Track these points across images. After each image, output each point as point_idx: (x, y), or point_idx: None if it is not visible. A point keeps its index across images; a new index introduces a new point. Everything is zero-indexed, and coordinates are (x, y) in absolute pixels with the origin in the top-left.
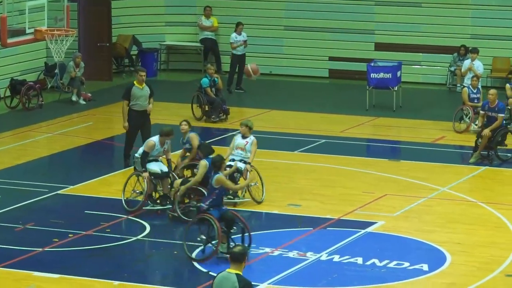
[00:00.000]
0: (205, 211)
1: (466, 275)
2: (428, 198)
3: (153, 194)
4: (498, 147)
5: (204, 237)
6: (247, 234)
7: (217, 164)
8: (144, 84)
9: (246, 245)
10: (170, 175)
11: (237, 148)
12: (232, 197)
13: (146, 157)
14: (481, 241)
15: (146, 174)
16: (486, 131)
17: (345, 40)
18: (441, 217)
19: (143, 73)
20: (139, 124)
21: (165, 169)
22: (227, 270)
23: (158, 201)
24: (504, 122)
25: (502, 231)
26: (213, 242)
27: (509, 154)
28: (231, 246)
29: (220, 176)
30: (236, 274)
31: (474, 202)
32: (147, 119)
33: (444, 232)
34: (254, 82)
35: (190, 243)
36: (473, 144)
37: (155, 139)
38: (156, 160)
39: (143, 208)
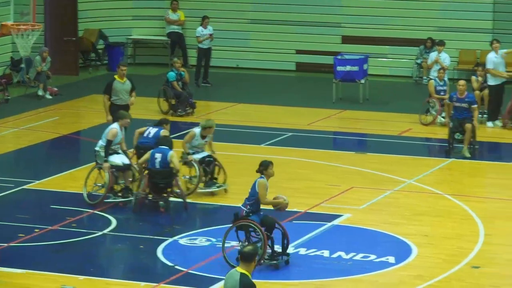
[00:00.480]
0: (244, 217)
1: (433, 267)
2: (394, 190)
3: (115, 186)
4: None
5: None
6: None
7: (261, 169)
8: (125, 78)
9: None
10: (131, 167)
11: (199, 147)
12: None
13: (110, 146)
14: (448, 233)
15: (106, 165)
16: (469, 126)
17: (312, 33)
18: (407, 210)
19: (124, 68)
20: None
21: (127, 161)
22: (236, 268)
23: (120, 194)
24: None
25: (468, 223)
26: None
27: (476, 146)
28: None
29: (264, 181)
30: (241, 273)
31: (441, 195)
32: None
33: (410, 225)
34: (220, 76)
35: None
36: (439, 136)
37: (116, 126)
38: (117, 153)
39: (105, 201)
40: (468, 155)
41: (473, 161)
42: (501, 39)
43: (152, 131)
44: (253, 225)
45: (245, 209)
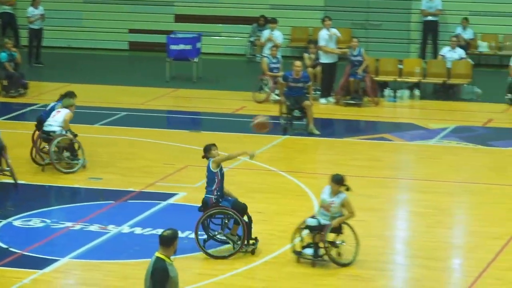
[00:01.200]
0: (215, 204)
1: (266, 243)
2: (229, 168)
3: None
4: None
5: (232, 235)
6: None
7: (206, 154)
8: None
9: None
10: None
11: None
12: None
13: None
14: (282, 209)
15: None
16: (308, 103)
17: (144, 12)
18: (241, 187)
19: None
20: None
21: None
22: (156, 252)
23: None
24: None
25: (302, 199)
26: (232, 237)
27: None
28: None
29: (215, 158)
30: (157, 257)
31: (275, 171)
32: None
33: (245, 202)
34: (53, 56)
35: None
36: (273, 114)
37: None
38: None
39: None
40: (316, 132)
41: (307, 138)
42: (333, 16)
43: (51, 104)
44: (228, 212)
45: (212, 196)
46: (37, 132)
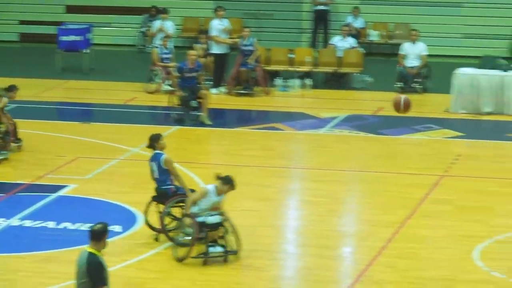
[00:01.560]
0: (175, 193)
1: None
2: (120, 159)
3: None
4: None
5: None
6: None
7: (152, 144)
8: None
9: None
10: None
11: None
12: None
13: None
14: None
15: None
16: (205, 92)
17: (35, 4)
18: (133, 178)
19: None
20: None
21: None
22: (86, 247)
23: None
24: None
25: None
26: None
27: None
28: None
29: (168, 156)
30: (89, 253)
31: None
32: None
33: (136, 193)
34: None
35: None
36: (164, 104)
37: None
38: None
39: None
40: (208, 122)
41: (199, 128)
42: (224, 6)
43: None
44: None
45: (172, 186)
46: None
